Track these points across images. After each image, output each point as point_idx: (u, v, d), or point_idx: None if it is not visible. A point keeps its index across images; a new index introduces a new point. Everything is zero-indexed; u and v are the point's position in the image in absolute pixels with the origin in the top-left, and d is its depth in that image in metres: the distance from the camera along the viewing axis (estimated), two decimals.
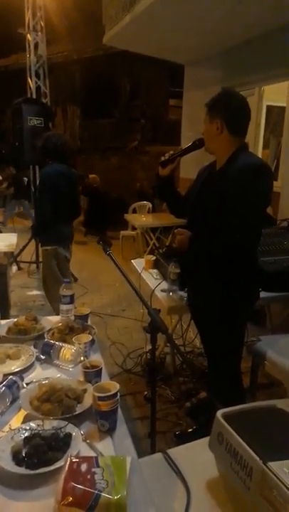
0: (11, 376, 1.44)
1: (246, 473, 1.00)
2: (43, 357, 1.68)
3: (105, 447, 1.20)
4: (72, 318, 1.99)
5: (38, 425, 1.23)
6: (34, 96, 8.66)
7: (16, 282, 5.44)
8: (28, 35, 8.76)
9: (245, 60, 5.15)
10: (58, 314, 2.12)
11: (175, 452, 1.33)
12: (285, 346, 2.43)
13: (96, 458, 1.07)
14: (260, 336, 2.55)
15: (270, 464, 0.95)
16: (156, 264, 2.95)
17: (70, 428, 1.22)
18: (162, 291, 2.53)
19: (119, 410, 1.31)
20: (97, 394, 1.25)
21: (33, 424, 1.24)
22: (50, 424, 1.24)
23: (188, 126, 6.94)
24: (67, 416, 1.29)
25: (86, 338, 1.72)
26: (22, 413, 1.33)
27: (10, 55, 13.16)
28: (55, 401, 1.34)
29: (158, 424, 1.73)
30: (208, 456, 1.17)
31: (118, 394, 1.28)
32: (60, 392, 1.37)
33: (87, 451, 1.18)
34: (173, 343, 1.93)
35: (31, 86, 8.86)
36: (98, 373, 1.48)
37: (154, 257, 2.98)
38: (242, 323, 2.13)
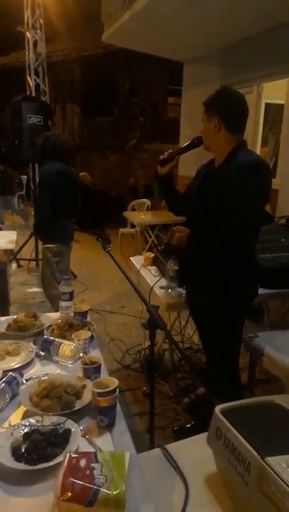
0: (10, 372, 1.45)
1: (244, 468, 1.01)
2: (42, 353, 1.68)
3: (104, 443, 1.21)
4: (72, 314, 2.00)
5: (38, 421, 1.24)
6: (33, 94, 8.62)
7: (15, 279, 5.44)
8: (27, 33, 8.71)
9: (244, 57, 5.14)
10: (56, 311, 2.12)
11: (174, 447, 1.34)
12: (283, 342, 2.43)
13: (95, 453, 1.07)
14: (258, 332, 2.56)
15: (268, 459, 0.96)
16: (155, 261, 2.95)
17: (70, 424, 1.23)
18: (161, 288, 2.54)
19: (118, 406, 1.32)
20: (96, 390, 1.26)
21: (32, 420, 1.25)
22: (49, 420, 1.24)
23: (187, 124, 6.93)
24: (67, 412, 1.30)
25: (85, 334, 1.73)
26: (21, 409, 1.34)
27: (9, 53, 13.12)
28: (54, 397, 1.35)
29: (157, 419, 1.73)
30: (207, 451, 1.18)
31: (117, 390, 1.28)
32: (59, 388, 1.38)
33: (86, 447, 1.19)
34: (171, 339, 1.93)
35: (30, 84, 8.83)
36: (97, 369, 1.49)
37: (153, 254, 2.99)
38: (240, 320, 2.13)
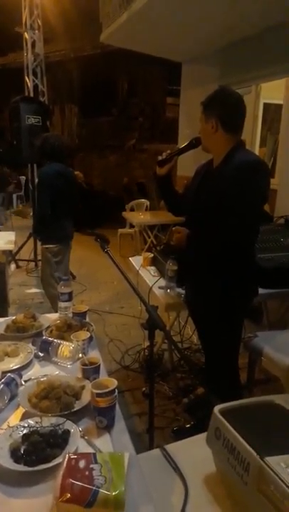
0: (9, 373, 1.45)
1: (243, 468, 1.00)
2: (41, 354, 1.68)
3: (103, 444, 1.21)
4: (71, 315, 2.00)
5: (37, 422, 1.24)
6: (32, 94, 8.64)
7: (14, 280, 5.44)
8: (26, 33, 8.72)
9: (243, 57, 5.14)
10: (56, 312, 2.12)
11: (173, 448, 1.34)
12: (282, 342, 2.44)
13: (94, 454, 1.07)
14: (257, 332, 2.56)
15: (267, 459, 0.95)
16: (154, 262, 2.95)
17: (69, 425, 1.23)
18: (160, 288, 2.54)
19: (118, 406, 1.32)
20: (95, 390, 1.25)
21: (31, 421, 1.24)
22: (48, 421, 1.24)
23: (185, 124, 6.93)
24: (66, 413, 1.29)
25: (84, 335, 1.73)
26: (20, 410, 1.34)
27: (7, 54, 13.11)
28: (53, 398, 1.34)
29: (156, 420, 1.73)
30: (206, 451, 1.17)
31: (116, 390, 1.28)
32: (58, 389, 1.38)
33: (85, 448, 1.19)
34: (170, 339, 1.93)
35: (29, 85, 8.84)
36: (96, 370, 1.49)
37: (152, 255, 2.99)
38: (240, 320, 2.13)
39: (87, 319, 2.02)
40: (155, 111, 12.21)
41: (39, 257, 5.52)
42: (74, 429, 1.22)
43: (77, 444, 1.17)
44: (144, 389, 2.97)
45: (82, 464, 1.02)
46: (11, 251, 4.25)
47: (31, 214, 6.96)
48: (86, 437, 1.23)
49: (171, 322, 3.17)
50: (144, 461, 1.23)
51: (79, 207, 4.00)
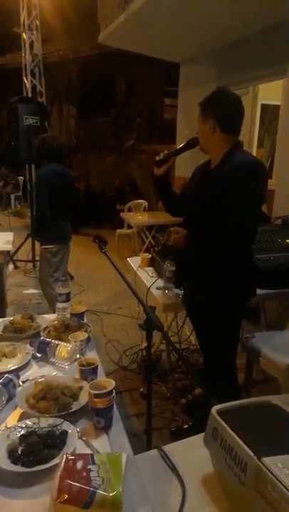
0: (6, 374, 1.44)
1: (241, 468, 1.01)
2: (39, 355, 1.68)
3: (101, 444, 1.21)
4: (68, 316, 2.00)
5: (34, 423, 1.24)
6: (30, 95, 8.63)
7: (12, 281, 5.44)
8: (24, 34, 8.71)
9: (240, 58, 5.15)
10: (54, 312, 2.12)
11: (171, 448, 1.34)
12: (280, 343, 2.44)
13: (92, 455, 1.07)
14: (254, 333, 2.56)
15: (265, 459, 0.96)
16: (151, 262, 2.96)
17: (66, 425, 1.23)
18: (158, 288, 2.54)
19: (115, 407, 1.32)
20: (93, 391, 1.25)
21: (29, 422, 1.24)
22: (46, 422, 1.24)
23: (183, 124, 6.94)
24: (63, 413, 1.29)
25: (82, 335, 1.72)
26: (18, 411, 1.34)
27: (5, 54, 13.11)
28: (51, 399, 1.34)
29: (154, 420, 1.73)
30: (204, 452, 1.18)
31: (114, 391, 1.28)
32: (56, 389, 1.37)
33: (83, 449, 1.19)
34: (168, 340, 1.94)
35: (27, 85, 8.83)
36: (94, 371, 1.49)
37: (150, 255, 2.99)
38: (238, 320, 2.14)
39: (85, 320, 2.02)
40: (153, 112, 12.20)
41: (37, 258, 5.52)
42: (72, 429, 1.22)
43: (75, 444, 1.17)
44: (141, 389, 2.97)
45: (79, 464, 1.02)
46: (9, 251, 4.25)
47: (29, 214, 6.96)
48: (84, 438, 1.22)
49: (169, 323, 3.17)
50: (141, 462, 1.23)
51: (77, 207, 4.01)
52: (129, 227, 6.97)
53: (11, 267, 5.91)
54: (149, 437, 1.66)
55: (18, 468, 1.08)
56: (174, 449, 1.34)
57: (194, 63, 6.42)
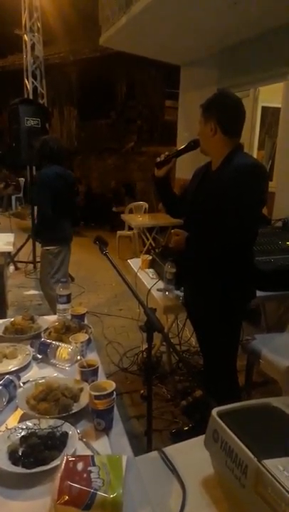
0: (7, 375, 1.45)
1: (241, 471, 1.00)
2: (39, 356, 1.68)
3: (101, 446, 1.21)
4: (69, 317, 2.00)
5: (35, 424, 1.24)
6: (31, 97, 8.66)
7: (13, 282, 5.44)
8: (25, 36, 8.76)
9: (241, 61, 5.16)
10: (55, 313, 2.12)
11: (171, 450, 1.33)
12: (280, 345, 2.44)
13: (92, 457, 1.07)
14: (255, 335, 2.56)
15: (265, 461, 0.95)
16: (152, 264, 2.96)
17: (67, 427, 1.23)
18: (158, 290, 2.54)
19: (116, 409, 1.32)
20: (93, 393, 1.26)
21: (29, 423, 1.24)
22: (46, 423, 1.24)
23: (184, 126, 6.95)
24: (64, 415, 1.29)
25: (83, 337, 1.72)
26: (19, 412, 1.34)
27: (6, 56, 13.14)
28: (51, 400, 1.34)
29: (154, 422, 1.73)
30: (204, 454, 1.17)
31: (114, 393, 1.28)
32: (56, 391, 1.38)
33: (83, 450, 1.19)
34: (169, 341, 1.94)
35: (28, 87, 8.86)
36: (95, 372, 1.49)
37: (151, 257, 2.99)
38: (238, 322, 2.14)
39: (86, 321, 2.02)
40: (154, 114, 12.22)
41: (38, 259, 5.52)
42: (72, 431, 1.22)
43: (76, 446, 1.17)
44: (142, 391, 2.97)
45: (80, 466, 1.02)
46: (9, 253, 4.25)
47: (30, 216, 6.97)
48: (84, 439, 1.22)
49: (169, 324, 3.17)
50: (142, 464, 1.23)
51: (77, 210, 4.03)
52: (130, 228, 6.97)
53: (11, 268, 5.91)
54: (149, 439, 1.66)
55: (19, 470, 1.08)
56: (175, 450, 1.34)
57: (195, 66, 6.43)
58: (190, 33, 5.06)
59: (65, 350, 1.64)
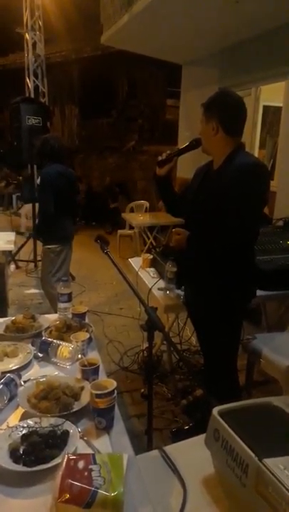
0: (8, 374, 1.45)
1: (242, 469, 1.01)
2: (40, 355, 1.69)
3: (102, 444, 1.21)
4: (70, 316, 2.00)
5: (36, 423, 1.24)
6: (32, 95, 8.65)
7: (13, 281, 5.44)
8: (26, 34, 8.74)
9: (243, 60, 5.15)
10: (56, 311, 2.13)
11: (172, 449, 1.34)
12: (280, 344, 2.44)
13: (93, 455, 1.07)
14: (255, 334, 2.57)
15: (266, 460, 0.96)
16: (153, 263, 2.96)
17: (68, 425, 1.23)
18: (159, 289, 2.55)
19: (116, 408, 1.32)
20: (94, 391, 1.26)
21: (30, 422, 1.25)
22: (47, 422, 1.24)
23: (185, 125, 6.95)
24: (65, 413, 1.29)
25: (83, 336, 1.73)
26: (20, 411, 1.34)
27: (8, 55, 13.13)
28: (52, 399, 1.35)
29: (155, 421, 1.73)
30: (205, 453, 1.18)
31: (115, 391, 1.28)
32: (57, 389, 1.38)
33: (84, 449, 1.19)
34: (170, 340, 1.94)
35: (29, 85, 8.85)
36: (96, 371, 1.49)
37: (152, 256, 2.99)
38: (239, 321, 2.14)
39: (87, 320, 2.02)
40: (155, 113, 12.22)
41: (38, 258, 5.53)
42: (73, 429, 1.22)
43: (76, 444, 1.17)
44: (142, 390, 2.97)
45: (81, 464, 1.02)
46: (10, 251, 4.25)
47: (31, 215, 6.97)
48: (85, 438, 1.23)
49: (170, 324, 3.17)
50: (142, 463, 1.23)
51: (79, 208, 4.03)
52: (131, 227, 6.97)
53: (12, 266, 5.92)
54: (149, 438, 1.66)
55: (20, 468, 1.09)
56: (175, 449, 1.34)
57: (196, 65, 6.43)
58: (191, 31, 5.06)
59: (66, 348, 1.64)
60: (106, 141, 12.18)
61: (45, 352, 1.67)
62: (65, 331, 1.84)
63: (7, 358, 1.67)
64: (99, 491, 0.95)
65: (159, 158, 2.22)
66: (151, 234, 6.54)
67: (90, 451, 1.18)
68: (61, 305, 2.02)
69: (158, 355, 3.34)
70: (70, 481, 0.96)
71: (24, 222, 8.31)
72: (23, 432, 1.20)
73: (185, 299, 2.37)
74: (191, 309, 2.35)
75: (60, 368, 1.63)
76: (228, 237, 1.89)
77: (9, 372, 1.49)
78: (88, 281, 5.59)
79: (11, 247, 3.85)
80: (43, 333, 1.85)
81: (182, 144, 2.19)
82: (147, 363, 2.89)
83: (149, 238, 6.51)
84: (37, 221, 3.97)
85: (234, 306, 2.05)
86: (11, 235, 4.09)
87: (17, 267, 6.11)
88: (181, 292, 2.45)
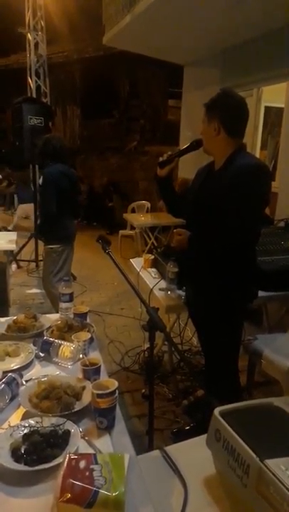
0: (10, 373, 1.45)
1: (243, 470, 1.01)
2: (42, 354, 1.69)
3: (104, 444, 1.21)
4: (72, 316, 2.00)
5: (37, 422, 1.24)
6: (34, 95, 8.65)
7: (15, 281, 5.45)
8: (29, 34, 8.75)
9: (244, 60, 5.15)
10: (57, 311, 2.13)
11: (173, 449, 1.34)
12: (282, 345, 2.44)
13: (94, 455, 1.07)
14: (256, 335, 2.57)
15: (267, 461, 0.96)
16: (154, 263, 2.96)
17: (69, 425, 1.23)
18: (160, 289, 2.55)
19: (118, 407, 1.32)
20: (95, 391, 1.26)
21: (32, 421, 1.25)
22: (49, 421, 1.24)
23: (187, 126, 6.95)
24: (66, 413, 1.30)
25: (85, 335, 1.73)
26: (21, 410, 1.34)
27: (10, 55, 13.14)
28: (54, 398, 1.35)
29: (156, 421, 1.73)
30: (206, 453, 1.18)
31: (117, 391, 1.28)
32: (59, 389, 1.38)
33: (85, 449, 1.19)
34: (171, 341, 1.94)
35: (31, 85, 8.86)
36: (97, 371, 1.49)
37: (153, 256, 3.00)
38: (240, 322, 2.14)
39: (88, 320, 2.02)
40: (156, 113, 12.23)
41: (40, 258, 5.53)
42: (74, 429, 1.22)
43: (78, 444, 1.18)
44: (143, 390, 2.97)
45: (82, 464, 1.02)
46: (12, 251, 4.26)
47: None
48: (86, 438, 1.23)
49: (171, 324, 3.17)
50: (143, 463, 1.23)
51: (81, 208, 4.03)
52: (132, 228, 6.97)
53: (13, 266, 5.92)
54: (150, 438, 1.66)
55: (21, 467, 1.09)
56: (176, 449, 1.34)
57: (198, 65, 6.43)
58: (193, 32, 5.06)
59: (67, 348, 1.64)
60: (107, 141, 12.19)
61: (47, 352, 1.67)
62: (66, 330, 1.85)
63: (9, 358, 1.67)
64: (100, 490, 0.95)
65: (160, 159, 2.22)
66: (152, 234, 6.54)
67: (91, 451, 1.18)
68: (63, 305, 2.03)
69: (159, 355, 3.34)
70: (71, 480, 0.96)
71: (16, 222, 8.27)
72: (25, 432, 1.20)
73: (186, 299, 2.37)
74: (192, 310, 2.35)
75: (62, 368, 1.63)
76: (228, 238, 1.89)
77: (11, 371, 1.50)
78: (89, 282, 5.60)
79: (12, 246, 3.85)
80: (44, 332, 1.85)
81: (183, 144, 2.19)
82: (148, 363, 2.89)
83: (150, 238, 6.51)
84: (39, 221, 3.98)
85: (234, 306, 2.05)
86: (13, 235, 4.10)
87: (18, 267, 6.12)
88: (182, 293, 2.45)
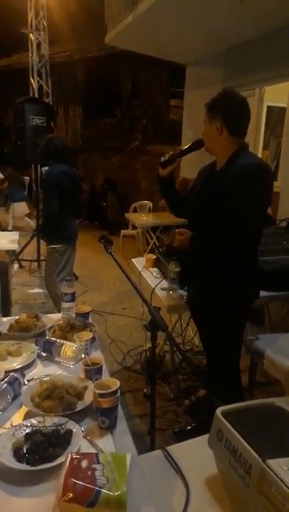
0: (12, 373, 1.45)
1: (245, 470, 1.01)
2: (44, 354, 1.69)
3: (105, 444, 1.21)
4: (73, 315, 2.01)
5: (39, 422, 1.24)
6: (36, 95, 8.68)
7: (17, 280, 5.45)
8: (31, 34, 8.77)
9: (247, 60, 5.15)
10: (59, 311, 2.13)
11: (174, 449, 1.34)
12: (283, 345, 2.44)
13: (96, 454, 1.07)
14: (258, 335, 2.56)
15: (269, 461, 0.96)
16: (156, 263, 2.96)
17: (71, 425, 1.23)
18: (162, 289, 2.55)
19: (120, 407, 1.32)
20: (97, 391, 1.26)
21: (34, 421, 1.25)
22: (51, 421, 1.25)
23: (189, 126, 6.94)
24: (68, 413, 1.30)
25: (87, 335, 1.73)
26: (23, 410, 1.34)
27: (12, 55, 13.16)
28: (56, 398, 1.35)
29: (157, 421, 1.73)
30: (208, 453, 1.18)
31: (118, 391, 1.29)
32: (61, 389, 1.38)
33: (87, 448, 1.19)
34: (173, 340, 1.94)
35: (33, 85, 8.88)
36: (99, 370, 1.49)
37: (155, 256, 3.00)
38: (241, 322, 2.14)
39: (90, 320, 2.03)
40: (158, 113, 12.22)
41: (42, 257, 5.54)
42: (76, 429, 1.22)
43: (80, 444, 1.18)
44: (145, 390, 2.97)
45: (84, 463, 1.02)
46: (14, 251, 4.26)
47: (35, 214, 6.98)
48: (88, 437, 1.23)
49: (173, 324, 3.17)
50: (145, 462, 1.23)
51: (83, 208, 4.04)
52: (134, 227, 6.97)
53: (16, 266, 5.93)
54: (152, 438, 1.66)
55: (23, 467, 1.09)
56: (178, 449, 1.34)
57: (200, 65, 6.42)
58: (195, 32, 5.05)
59: (69, 348, 1.65)
60: (109, 141, 12.19)
61: (49, 351, 1.68)
62: (68, 330, 1.85)
63: (11, 357, 1.68)
64: (102, 490, 0.95)
65: (162, 159, 2.22)
66: (154, 234, 6.53)
67: (93, 450, 1.18)
68: (65, 304, 2.03)
69: (161, 355, 3.34)
70: (73, 480, 0.96)
71: (11, 221, 8.29)
72: (27, 431, 1.20)
73: (188, 299, 2.37)
74: (194, 309, 2.35)
75: (64, 368, 1.64)
76: (229, 237, 1.89)
77: (13, 371, 1.50)
78: (91, 281, 5.60)
79: (14, 246, 3.86)
80: (46, 332, 1.86)
81: (185, 144, 2.19)
82: (150, 362, 2.89)
83: (152, 238, 6.50)
84: (41, 221, 3.98)
85: (236, 306, 2.05)
86: (15, 235, 4.10)
87: (20, 267, 6.12)
88: (184, 292, 2.45)
